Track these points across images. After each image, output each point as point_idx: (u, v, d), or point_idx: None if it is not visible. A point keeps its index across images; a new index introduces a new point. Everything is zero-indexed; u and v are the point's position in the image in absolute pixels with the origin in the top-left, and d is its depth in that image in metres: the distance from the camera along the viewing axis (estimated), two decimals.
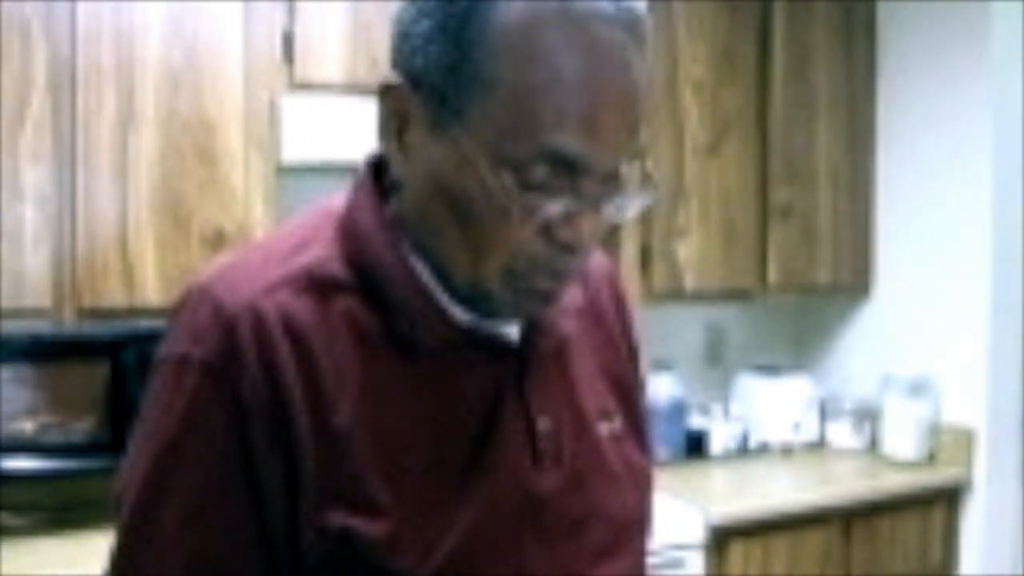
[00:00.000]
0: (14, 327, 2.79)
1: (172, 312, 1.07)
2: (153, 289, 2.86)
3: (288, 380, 0.99)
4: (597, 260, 1.27)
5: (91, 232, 2.80)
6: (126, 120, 2.83)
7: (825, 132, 3.96)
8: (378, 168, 1.11)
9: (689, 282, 3.70)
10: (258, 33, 2.96)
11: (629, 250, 3.55)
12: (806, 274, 3.94)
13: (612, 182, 1.01)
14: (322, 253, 1.07)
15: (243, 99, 2.95)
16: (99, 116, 2.81)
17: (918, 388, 3.85)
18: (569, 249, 1.01)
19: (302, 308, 1.02)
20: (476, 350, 1.08)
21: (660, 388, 3.73)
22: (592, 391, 1.18)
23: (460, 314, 1.07)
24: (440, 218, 1.02)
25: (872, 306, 4.13)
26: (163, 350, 1.05)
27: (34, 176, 2.75)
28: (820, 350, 4.34)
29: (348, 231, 1.08)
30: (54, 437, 2.85)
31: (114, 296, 2.83)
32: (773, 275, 3.86)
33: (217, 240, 2.92)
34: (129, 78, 2.83)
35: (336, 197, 1.12)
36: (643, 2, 1.02)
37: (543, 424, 1.10)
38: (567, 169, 0.97)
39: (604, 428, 1.18)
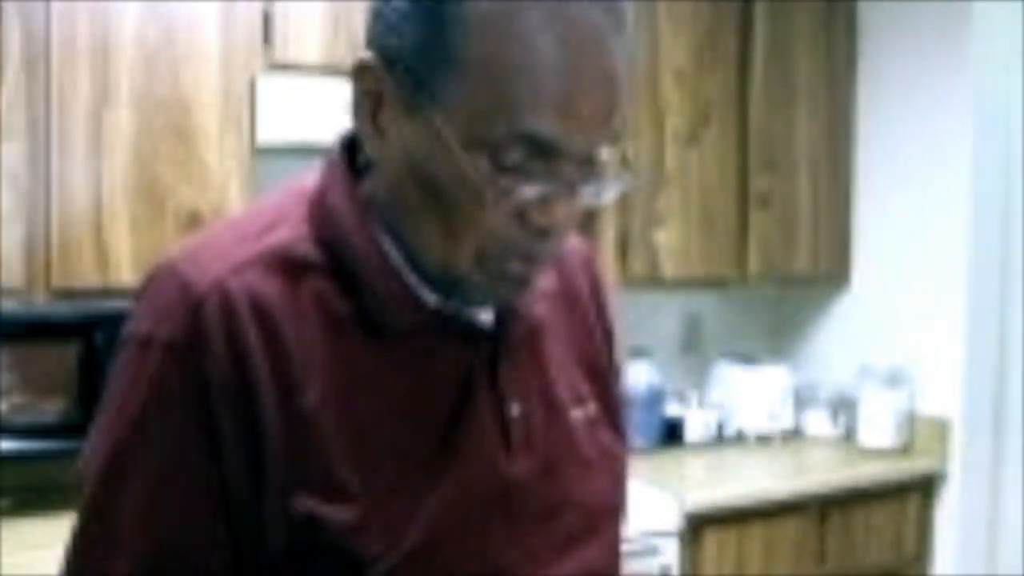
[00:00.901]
0: None
1: (138, 290, 1.05)
2: (127, 270, 2.83)
3: (255, 362, 0.97)
4: (573, 245, 1.25)
5: (65, 212, 2.77)
6: (101, 99, 2.80)
7: (805, 121, 3.96)
8: (351, 148, 1.09)
9: (667, 269, 3.69)
10: (236, 13, 2.93)
11: (608, 237, 3.53)
12: (784, 263, 3.94)
13: (589, 166, 0.99)
14: (292, 233, 1.04)
15: (220, 79, 2.92)
16: (74, 94, 2.77)
17: (894, 378, 3.86)
18: (543, 233, 0.99)
19: (271, 288, 1.00)
20: (448, 334, 1.06)
21: (637, 375, 3.72)
22: (565, 376, 1.17)
23: (431, 298, 1.05)
24: (413, 200, 1.01)
25: (850, 296, 4.14)
26: (128, 328, 1.03)
27: (7, 154, 2.71)
28: (797, 339, 4.34)
29: (319, 211, 1.06)
30: (25, 418, 2.82)
31: (87, 276, 2.80)
32: (751, 264, 3.86)
33: (192, 221, 2.90)
34: (104, 56, 2.80)
35: (308, 177, 1.10)
36: None
37: (515, 410, 1.09)
38: (543, 152, 0.95)
39: (578, 413, 1.16)
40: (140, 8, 2.83)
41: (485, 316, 1.09)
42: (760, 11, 3.82)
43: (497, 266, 1.00)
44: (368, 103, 1.01)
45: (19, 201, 2.73)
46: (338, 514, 0.98)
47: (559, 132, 0.94)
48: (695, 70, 3.71)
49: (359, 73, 1.01)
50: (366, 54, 1.01)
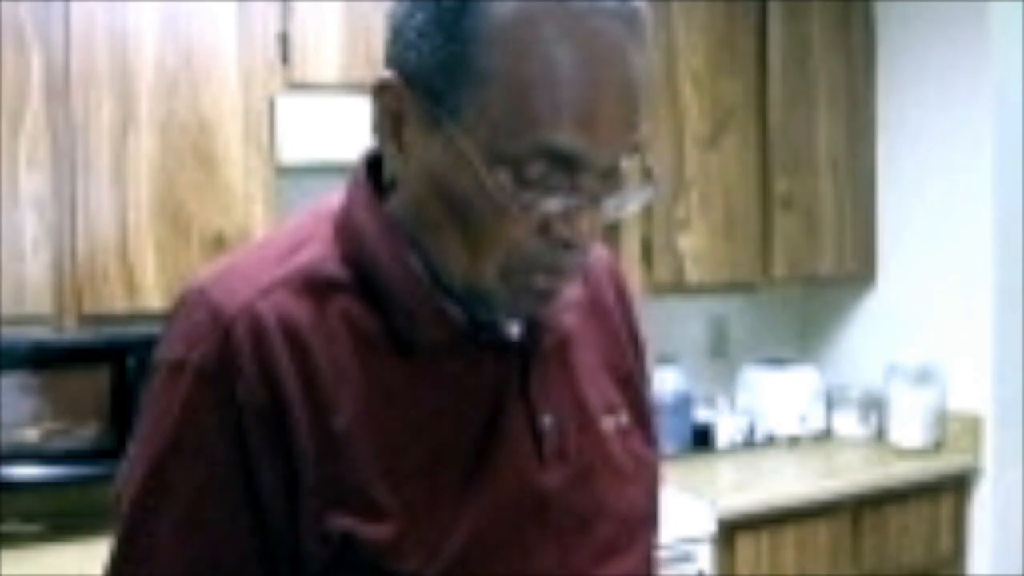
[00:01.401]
0: (15, 334, 2.78)
1: (169, 315, 1.06)
2: (154, 294, 2.85)
3: (287, 383, 0.98)
4: (597, 254, 1.24)
5: (91, 237, 2.79)
6: (123, 124, 2.82)
7: (825, 121, 3.95)
8: (375, 166, 1.10)
9: (691, 275, 3.69)
10: (253, 34, 2.95)
11: (631, 244, 3.53)
12: (809, 264, 3.93)
13: (612, 178, 0.99)
14: (319, 253, 1.05)
15: (240, 100, 2.94)
16: (96, 120, 2.80)
17: (924, 376, 3.84)
18: (567, 246, 0.98)
19: (300, 309, 1.01)
20: (477, 348, 1.06)
21: (665, 381, 3.72)
22: (596, 386, 1.17)
23: (458, 313, 1.05)
24: (437, 216, 1.00)
25: (876, 295, 4.12)
26: (159, 354, 1.04)
27: (32, 182, 2.74)
28: (825, 340, 4.32)
29: (345, 230, 1.06)
30: (58, 444, 2.84)
31: (115, 301, 2.82)
32: (776, 266, 3.85)
33: (217, 243, 2.91)
34: (125, 81, 2.82)
35: (333, 196, 1.10)
36: None
37: (546, 421, 1.08)
38: (565, 165, 0.95)
39: (609, 423, 1.16)
40: (158, 33, 2.86)
41: (514, 329, 1.08)
42: (775, 12, 3.82)
43: (522, 280, 1.00)
44: (389, 121, 1.01)
45: (46, 229, 2.75)
46: (374, 532, 0.98)
47: (580, 145, 0.94)
48: (713, 74, 3.71)
49: (379, 91, 1.01)
50: (386, 72, 1.01)
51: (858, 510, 3.55)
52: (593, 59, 0.93)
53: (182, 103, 2.89)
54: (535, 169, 0.94)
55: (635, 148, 0.99)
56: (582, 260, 1.03)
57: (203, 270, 1.08)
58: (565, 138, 0.93)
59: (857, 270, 4.07)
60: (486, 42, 0.93)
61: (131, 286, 2.83)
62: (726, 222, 3.74)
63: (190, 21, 2.89)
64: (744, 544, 3.33)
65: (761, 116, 3.82)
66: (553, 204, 0.96)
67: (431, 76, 0.96)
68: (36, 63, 2.73)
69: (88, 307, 2.79)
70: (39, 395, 2.82)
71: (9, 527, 2.93)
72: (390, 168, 1.05)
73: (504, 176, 0.94)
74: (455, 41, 0.94)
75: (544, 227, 0.97)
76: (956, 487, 3.78)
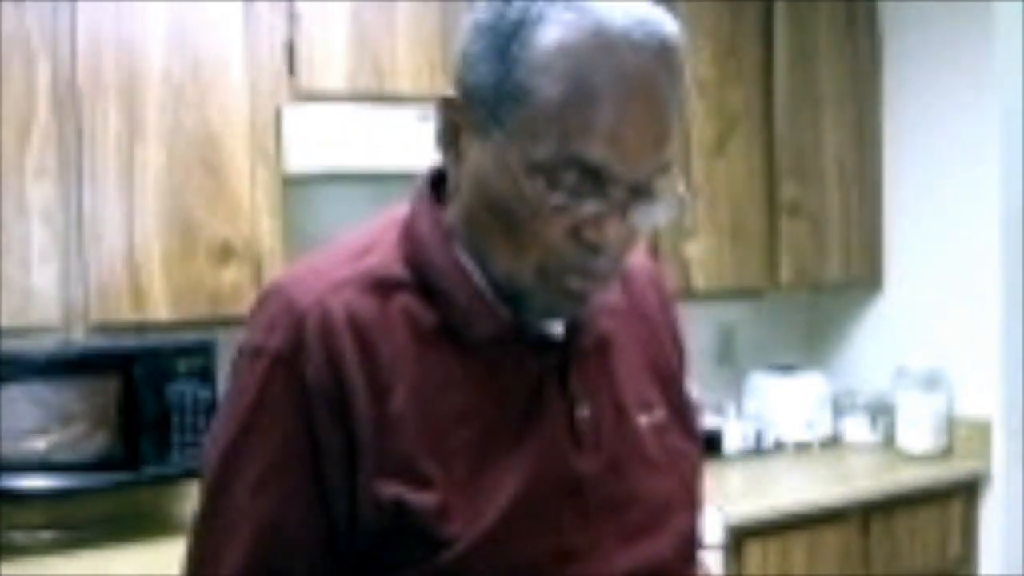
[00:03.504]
0: (23, 345, 2.79)
1: (252, 308, 1.20)
2: (161, 303, 2.85)
3: (350, 369, 1.11)
4: (640, 262, 1.36)
5: (98, 248, 2.80)
6: (130, 134, 2.83)
7: (831, 128, 3.95)
8: (439, 179, 1.23)
9: (699, 282, 3.69)
10: (259, 44, 2.96)
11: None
12: (816, 271, 3.93)
13: (640, 192, 1.10)
14: (384, 256, 1.19)
15: (247, 110, 2.95)
16: (104, 131, 2.80)
17: (932, 381, 3.84)
18: (596, 250, 1.10)
19: (365, 305, 1.14)
20: (523, 344, 1.18)
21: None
22: (633, 384, 1.27)
23: (506, 312, 1.17)
24: (484, 219, 1.14)
25: (883, 300, 4.12)
26: (242, 342, 1.18)
27: (40, 193, 2.74)
28: (832, 346, 4.32)
29: (408, 236, 1.20)
30: (65, 454, 2.84)
31: (123, 311, 2.82)
32: (783, 273, 3.85)
33: (224, 252, 2.92)
34: (132, 91, 2.83)
35: (400, 207, 1.24)
36: (677, 29, 1.13)
37: (583, 411, 1.19)
38: (594, 177, 1.08)
39: (644, 419, 1.26)
40: (165, 42, 2.86)
41: (557, 328, 1.20)
42: (781, 18, 3.82)
43: (557, 281, 1.12)
44: (449, 132, 1.16)
45: (54, 239, 2.76)
46: (421, 499, 1.10)
47: (607, 158, 1.07)
48: (718, 80, 3.71)
49: (442, 106, 1.16)
50: (449, 90, 1.16)
51: (867, 516, 3.55)
52: (623, 86, 1.07)
53: (189, 113, 2.89)
54: (568, 178, 1.08)
55: (664, 166, 1.11)
56: (611, 265, 1.15)
57: (283, 270, 1.17)
58: (592, 151, 1.07)
59: (864, 276, 4.07)
60: (531, 66, 1.08)
61: (138, 296, 2.84)
62: (733, 228, 3.74)
63: (197, 31, 2.89)
64: (752, 551, 3.33)
65: (767, 122, 3.82)
66: (582, 209, 1.09)
67: (485, 93, 1.11)
68: (43, 73, 2.74)
69: (95, 317, 2.80)
70: (46, 405, 2.83)
71: (16, 537, 2.93)
72: (449, 176, 1.19)
73: (539, 182, 1.08)
74: (505, 64, 1.09)
75: (575, 231, 1.09)
76: (965, 492, 3.78)
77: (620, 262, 1.16)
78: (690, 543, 1.31)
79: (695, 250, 3.67)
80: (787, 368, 4.09)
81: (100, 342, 2.86)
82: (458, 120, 1.15)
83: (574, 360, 1.21)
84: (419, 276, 1.18)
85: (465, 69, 1.14)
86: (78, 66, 2.77)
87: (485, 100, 1.11)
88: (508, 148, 1.10)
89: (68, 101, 2.77)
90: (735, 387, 4.13)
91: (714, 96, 3.70)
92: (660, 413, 1.29)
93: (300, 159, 2.97)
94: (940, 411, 3.82)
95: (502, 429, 1.16)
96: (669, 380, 1.35)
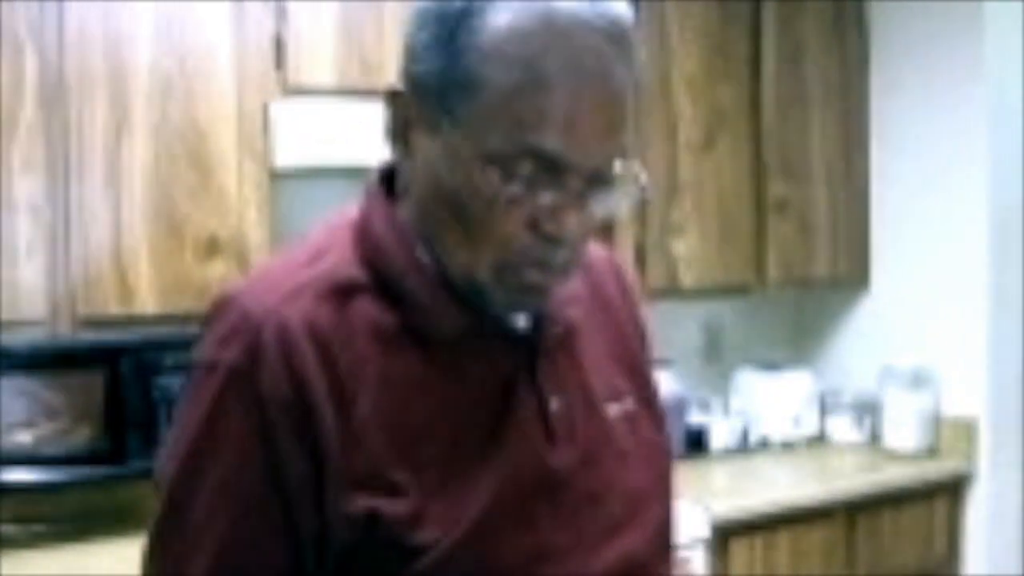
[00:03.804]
0: (10, 338, 2.78)
1: (204, 320, 1.15)
2: (148, 297, 2.85)
3: (311, 380, 1.07)
4: (599, 253, 1.34)
5: (85, 241, 2.79)
6: (118, 128, 2.82)
7: (819, 125, 3.96)
8: (390, 176, 1.20)
9: (686, 279, 3.69)
10: (248, 38, 2.95)
11: (625, 247, 3.54)
12: (803, 268, 3.94)
13: (598, 180, 1.08)
14: (339, 258, 1.15)
15: (235, 105, 2.94)
16: (91, 125, 2.80)
17: (918, 380, 3.85)
18: (555, 242, 1.07)
19: (323, 312, 1.10)
20: (488, 339, 1.15)
21: (659, 385, 3.71)
22: (601, 374, 1.25)
23: (468, 308, 1.14)
24: (440, 215, 1.10)
25: (870, 299, 4.13)
26: (196, 355, 1.13)
27: (27, 186, 2.74)
28: (819, 344, 4.33)
29: (363, 236, 1.16)
30: (52, 448, 2.84)
31: (110, 305, 2.82)
32: (770, 270, 3.85)
33: (211, 247, 2.91)
34: (120, 86, 2.82)
35: (351, 208, 1.21)
36: (628, 11, 1.09)
37: (555, 404, 1.17)
38: (550, 166, 1.05)
39: (613, 409, 1.24)
40: (153, 37, 2.85)
41: (521, 322, 1.18)
42: (769, 16, 3.82)
43: (515, 276, 1.09)
44: (398, 126, 1.13)
45: (41, 233, 2.75)
46: (394, 508, 1.07)
47: (562, 147, 1.04)
48: (706, 78, 3.72)
49: (390, 99, 1.12)
50: (397, 82, 1.12)
51: (852, 514, 3.56)
52: (576, 71, 1.03)
53: (176, 107, 2.89)
54: (523, 168, 1.05)
55: (620, 153, 1.09)
56: (571, 257, 1.11)
57: (235, 280, 1.14)
58: (547, 140, 1.03)
59: (851, 274, 4.08)
60: (479, 54, 1.04)
61: (125, 290, 2.83)
62: (720, 226, 3.75)
63: (185, 25, 2.89)
64: (738, 549, 3.33)
65: (755, 120, 3.83)
66: (538, 200, 1.06)
67: (434, 84, 1.07)
68: (30, 67, 2.73)
69: (82, 311, 2.79)
70: (33, 399, 2.82)
71: (4, 530, 2.92)
72: (400, 172, 1.16)
73: (493, 174, 1.04)
74: (453, 53, 1.06)
75: (533, 223, 1.06)
76: (950, 491, 3.79)
77: (579, 253, 1.13)
78: (665, 536, 1.28)
79: (682, 247, 3.67)
80: (773, 366, 4.10)
81: (86, 336, 2.86)
82: (407, 113, 1.12)
83: (542, 353, 1.18)
84: (377, 277, 1.14)
85: (411, 60, 1.10)
86: (65, 59, 2.76)
87: (433, 92, 1.08)
88: (459, 140, 1.06)
89: (55, 94, 2.76)
90: (721, 384, 4.14)
91: (702, 94, 3.70)
92: (629, 402, 1.27)
93: (288, 154, 2.96)
94: (926, 410, 3.83)
95: (474, 429, 1.13)
96: (635, 369, 1.32)
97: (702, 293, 3.79)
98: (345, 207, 1.22)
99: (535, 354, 1.18)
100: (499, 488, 1.11)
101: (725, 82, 3.76)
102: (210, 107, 2.92)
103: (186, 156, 2.90)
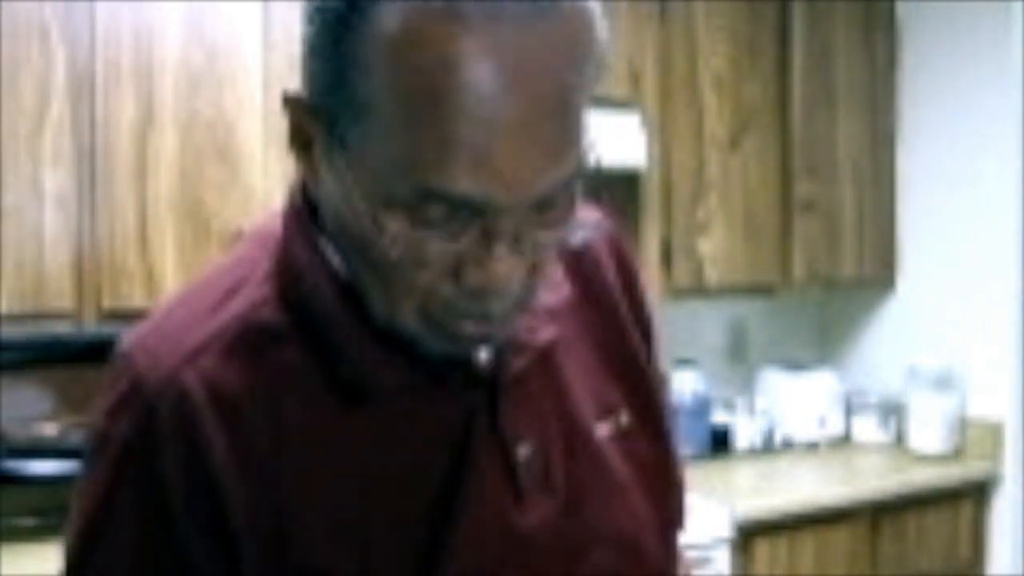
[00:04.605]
0: (36, 330, 2.79)
1: (104, 374, 0.97)
2: (174, 290, 2.85)
3: (217, 459, 0.88)
4: (592, 229, 1.11)
5: (112, 234, 2.80)
6: (146, 122, 2.83)
7: (846, 124, 3.93)
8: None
9: (711, 278, 3.68)
10: (276, 32, 2.96)
11: (650, 246, 3.53)
12: (829, 268, 3.92)
13: (538, 212, 0.83)
14: (253, 298, 0.93)
15: (262, 99, 2.95)
16: (119, 118, 2.80)
17: (944, 381, 3.82)
18: (483, 293, 0.84)
19: (231, 373, 0.90)
20: (437, 385, 0.94)
21: (684, 384, 3.71)
22: (589, 390, 1.05)
23: (404, 359, 0.93)
24: (350, 252, 0.88)
25: (896, 299, 4.11)
26: (92, 417, 0.96)
27: (54, 179, 2.75)
28: (844, 344, 4.31)
29: (282, 268, 0.94)
30: (76, 439, 2.85)
31: (135, 297, 2.83)
32: (796, 269, 3.83)
33: (237, 240, 2.91)
34: (148, 79, 2.83)
35: (274, 222, 0.98)
36: None
37: (523, 451, 0.96)
38: (467, 207, 0.80)
39: (604, 429, 1.04)
40: (182, 31, 2.86)
41: (482, 355, 0.95)
42: (798, 14, 3.81)
43: (445, 327, 0.87)
44: (298, 139, 0.89)
45: (67, 225, 2.76)
46: None
47: (476, 188, 0.79)
48: (734, 76, 3.70)
49: (285, 105, 0.89)
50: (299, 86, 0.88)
51: (877, 516, 3.54)
52: (492, 82, 0.77)
53: (204, 101, 2.89)
54: (432, 212, 0.80)
55: (567, 175, 0.83)
56: (512, 304, 0.87)
57: (136, 326, 0.98)
58: (454, 182, 0.78)
59: (877, 274, 4.06)
60: (365, 67, 0.79)
61: (151, 283, 2.84)
62: (746, 225, 3.73)
63: (214, 20, 2.89)
64: (762, 549, 3.32)
65: (782, 119, 3.81)
66: (457, 248, 0.82)
67: (320, 98, 0.84)
68: (60, 61, 2.74)
69: (108, 303, 2.80)
70: (58, 390, 2.83)
71: (27, 521, 2.94)
72: (312, 196, 0.93)
73: (397, 220, 0.81)
74: (336, 64, 0.81)
75: (455, 274, 0.83)
76: (975, 494, 3.77)
77: (527, 295, 0.88)
78: (665, 566, 1.09)
79: (708, 246, 3.66)
80: (798, 366, 4.08)
81: (112, 328, 2.87)
82: (305, 126, 0.87)
83: (505, 390, 0.95)
84: (299, 319, 0.92)
85: (303, 62, 0.86)
86: (94, 54, 2.77)
87: (322, 108, 0.84)
88: (350, 175, 0.83)
89: (84, 88, 2.77)
90: (746, 384, 4.13)
91: (730, 92, 3.69)
92: (623, 416, 1.06)
93: None
94: (952, 412, 3.81)
95: (424, 498, 0.92)
96: (633, 372, 1.09)
97: (727, 292, 3.78)
98: (268, 220, 1.00)
99: (495, 393, 0.95)
100: (458, 564, 0.92)
101: (752, 81, 3.74)
102: (238, 101, 2.92)
103: (213, 150, 2.90)
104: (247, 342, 0.91)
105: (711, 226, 3.67)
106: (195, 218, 2.89)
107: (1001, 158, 3.72)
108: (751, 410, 3.98)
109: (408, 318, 0.86)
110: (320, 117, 0.84)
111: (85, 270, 2.78)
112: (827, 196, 3.89)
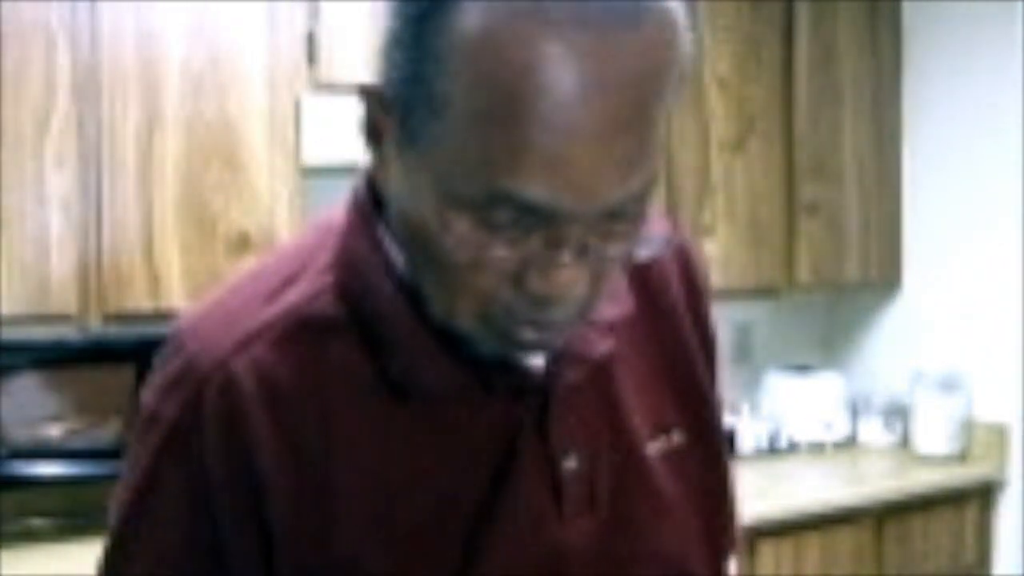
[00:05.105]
0: (40, 332, 2.79)
1: (159, 351, 0.98)
2: (178, 293, 2.86)
3: (262, 448, 0.89)
4: (663, 241, 1.09)
5: (116, 236, 2.80)
6: (150, 123, 2.83)
7: (851, 127, 3.93)
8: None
9: (716, 279, 3.67)
10: (280, 34, 2.95)
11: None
12: (834, 270, 3.91)
13: (607, 223, 0.82)
14: (312, 288, 0.93)
15: (266, 100, 2.95)
16: (123, 120, 2.80)
17: (949, 384, 3.81)
18: (545, 302, 0.83)
19: (283, 363, 0.90)
20: (487, 390, 0.93)
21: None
22: (644, 406, 1.03)
23: (457, 362, 0.92)
24: (413, 249, 0.88)
25: (901, 301, 4.10)
26: (143, 396, 0.97)
27: (59, 181, 2.75)
28: (849, 347, 4.30)
29: (342, 260, 0.94)
30: (80, 442, 2.85)
31: (139, 300, 2.83)
32: (801, 272, 3.83)
33: (241, 243, 2.92)
34: (152, 81, 2.83)
35: (338, 213, 0.98)
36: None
37: (570, 464, 0.95)
38: (535, 212, 0.79)
39: (656, 447, 1.02)
40: (186, 33, 2.86)
41: (536, 360, 0.94)
42: (802, 15, 3.80)
43: (504, 332, 0.86)
44: (372, 131, 0.88)
45: (71, 227, 2.76)
46: None
47: (547, 195, 0.78)
48: (739, 78, 3.70)
49: (361, 96, 0.88)
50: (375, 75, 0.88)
51: (882, 518, 3.53)
52: (570, 87, 0.76)
53: (208, 103, 2.89)
54: (499, 216, 0.79)
55: (641, 187, 0.82)
56: (574, 312, 0.86)
57: (193, 306, 1.00)
58: (526, 186, 0.77)
59: (882, 276, 4.05)
60: (445, 64, 0.78)
61: (156, 285, 2.84)
62: (751, 227, 3.73)
63: (217, 21, 2.89)
64: (766, 551, 3.32)
65: (787, 121, 3.80)
66: (523, 252, 0.81)
67: (397, 92, 0.83)
68: (63, 62, 2.74)
69: (112, 306, 2.80)
70: (62, 393, 2.83)
71: (30, 523, 2.94)
72: (381, 188, 0.93)
73: (463, 221, 0.80)
74: (416, 59, 0.80)
75: (517, 279, 0.82)
76: (981, 496, 3.76)
77: (588, 305, 0.87)
78: None
79: (712, 248, 3.65)
80: (803, 368, 4.08)
81: (116, 330, 2.86)
82: (377, 117, 0.87)
83: (557, 400, 0.94)
84: (354, 313, 0.92)
85: (381, 53, 0.85)
86: (98, 55, 2.77)
87: (399, 101, 0.83)
88: (421, 171, 0.82)
89: (88, 90, 2.77)
90: (751, 386, 4.12)
91: (734, 93, 3.68)
92: (678, 436, 1.04)
93: (319, 150, 2.96)
94: (957, 414, 3.80)
95: (466, 503, 0.92)
96: (692, 390, 1.08)
97: (732, 294, 3.77)
98: (332, 211, 0.99)
99: (548, 403, 0.94)
100: (494, 573, 0.91)
101: (757, 82, 3.74)
102: (241, 103, 2.92)
103: (217, 152, 2.90)
104: (300, 333, 0.91)
105: (716, 228, 3.66)
106: (199, 220, 2.89)
107: (1007, 159, 3.71)
108: (756, 412, 3.97)
109: (466, 319, 0.86)
110: (394, 110, 0.84)
111: (89, 272, 2.78)
112: (832, 198, 3.89)
